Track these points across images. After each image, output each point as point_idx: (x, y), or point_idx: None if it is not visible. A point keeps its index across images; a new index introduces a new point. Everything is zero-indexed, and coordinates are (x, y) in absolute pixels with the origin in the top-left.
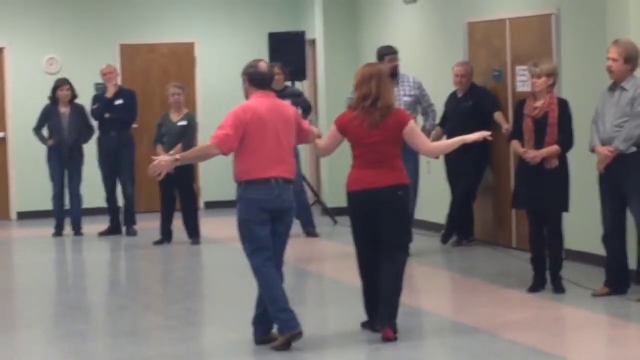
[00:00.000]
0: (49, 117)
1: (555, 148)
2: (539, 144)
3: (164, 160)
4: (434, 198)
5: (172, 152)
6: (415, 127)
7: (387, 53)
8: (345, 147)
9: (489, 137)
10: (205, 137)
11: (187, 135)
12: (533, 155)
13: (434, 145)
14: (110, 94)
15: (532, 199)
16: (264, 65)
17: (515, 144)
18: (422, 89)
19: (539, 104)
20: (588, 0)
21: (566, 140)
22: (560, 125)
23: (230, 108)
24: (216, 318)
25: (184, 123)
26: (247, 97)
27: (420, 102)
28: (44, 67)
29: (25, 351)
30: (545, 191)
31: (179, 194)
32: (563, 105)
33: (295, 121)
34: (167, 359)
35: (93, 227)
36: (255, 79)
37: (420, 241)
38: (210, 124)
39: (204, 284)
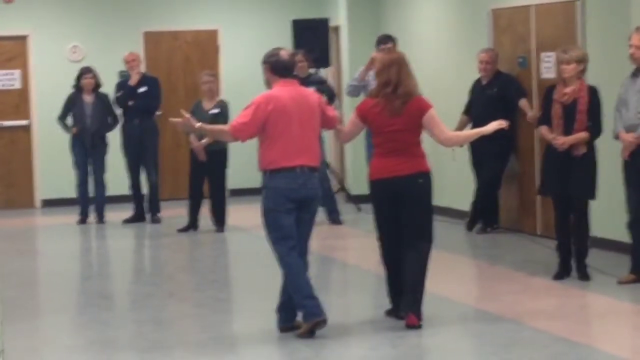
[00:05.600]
0: (72, 105)
1: (583, 135)
2: (567, 130)
3: (187, 119)
4: (458, 185)
5: (203, 141)
6: (434, 115)
7: (380, 41)
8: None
9: (505, 127)
10: None
11: (219, 123)
12: (562, 141)
13: (452, 135)
14: (133, 81)
15: (559, 186)
16: (284, 53)
17: (544, 130)
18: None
19: (568, 89)
20: None
21: (595, 127)
22: (589, 112)
23: (253, 95)
24: (240, 305)
25: (216, 111)
26: (268, 86)
27: None
28: (67, 55)
29: (50, 339)
30: (572, 178)
31: (210, 181)
32: (592, 92)
33: (319, 108)
34: (191, 346)
35: (117, 214)
36: (277, 68)
37: (445, 228)
38: (234, 111)
39: (228, 271)
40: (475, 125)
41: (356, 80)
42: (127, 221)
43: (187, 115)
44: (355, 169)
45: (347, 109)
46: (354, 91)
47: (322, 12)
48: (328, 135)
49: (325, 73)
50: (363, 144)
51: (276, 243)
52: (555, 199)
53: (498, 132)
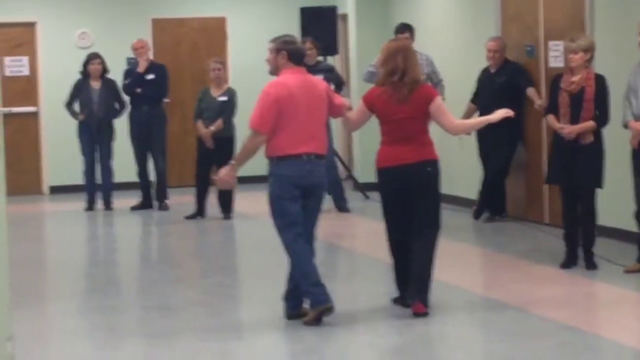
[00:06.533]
0: (79, 91)
1: (590, 123)
2: (575, 119)
3: (223, 174)
4: (466, 174)
5: (212, 128)
6: (441, 104)
7: (397, 30)
8: (377, 122)
9: (512, 115)
10: (240, 111)
11: (226, 111)
12: (569, 130)
13: (459, 123)
14: (141, 68)
15: (566, 175)
16: (299, 41)
17: (551, 119)
18: (433, 65)
19: (575, 78)
20: None
21: (602, 115)
22: (596, 100)
23: (261, 83)
24: (247, 293)
25: (224, 98)
26: (275, 70)
27: (431, 78)
28: (75, 42)
29: (56, 324)
30: (579, 167)
31: (217, 168)
32: (600, 80)
33: (327, 96)
34: (198, 333)
35: (124, 201)
36: (295, 55)
37: (452, 217)
38: (241, 98)
39: (235, 258)
40: (482, 114)
41: (374, 66)
42: (135, 208)
43: (217, 175)
44: (363, 156)
45: (356, 97)
46: (371, 77)
47: (330, 0)
48: (335, 123)
49: (333, 61)
50: (372, 131)
51: (283, 230)
52: (562, 188)
53: (506, 121)
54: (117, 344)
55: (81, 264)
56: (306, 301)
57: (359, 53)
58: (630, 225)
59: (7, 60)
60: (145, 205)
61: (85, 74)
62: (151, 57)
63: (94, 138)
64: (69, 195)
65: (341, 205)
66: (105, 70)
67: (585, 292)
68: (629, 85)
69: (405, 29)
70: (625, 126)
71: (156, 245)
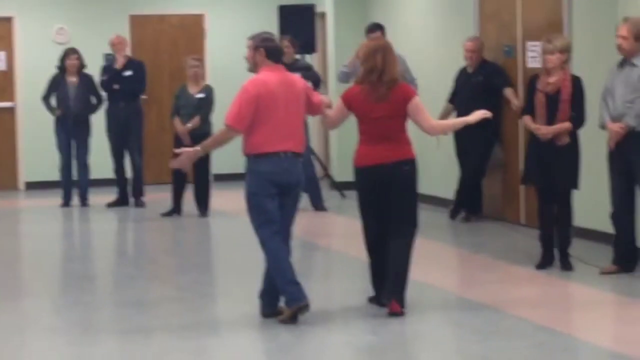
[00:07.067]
0: (56, 86)
1: (566, 125)
2: (551, 120)
3: (185, 155)
4: (442, 173)
5: (189, 125)
6: (419, 103)
7: (369, 30)
8: (354, 120)
9: (489, 117)
10: (217, 108)
11: (204, 108)
12: (545, 131)
13: (437, 123)
14: (119, 64)
15: (542, 176)
16: (276, 39)
17: (527, 119)
18: (406, 64)
19: (552, 79)
20: None
21: (578, 117)
22: (572, 101)
23: (238, 80)
24: (223, 290)
25: (201, 95)
26: (254, 69)
27: (404, 77)
28: (53, 37)
29: (31, 320)
30: (556, 168)
31: (194, 166)
32: (576, 81)
33: (305, 94)
34: (173, 329)
35: (101, 197)
36: (272, 53)
37: (428, 216)
38: (219, 95)
39: (211, 255)
40: (459, 114)
41: (347, 67)
42: (111, 205)
43: (180, 150)
44: (340, 155)
45: (334, 95)
46: (345, 77)
47: None
48: (313, 121)
49: (310, 59)
50: (349, 130)
51: (259, 228)
52: (538, 189)
53: (483, 121)
54: (92, 340)
55: (56, 259)
56: (282, 299)
57: (337, 51)
58: (606, 226)
59: None
60: (121, 202)
61: (63, 69)
62: (129, 53)
63: (71, 134)
64: (45, 191)
65: (317, 204)
66: (82, 65)
67: (561, 293)
68: (606, 86)
69: (376, 28)
70: (602, 127)
71: (132, 242)
